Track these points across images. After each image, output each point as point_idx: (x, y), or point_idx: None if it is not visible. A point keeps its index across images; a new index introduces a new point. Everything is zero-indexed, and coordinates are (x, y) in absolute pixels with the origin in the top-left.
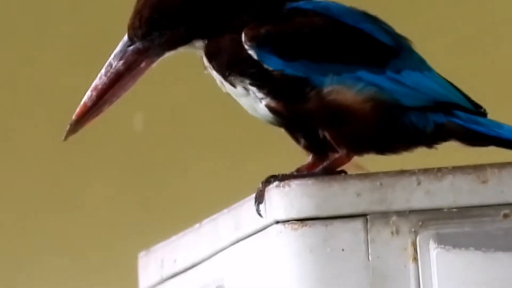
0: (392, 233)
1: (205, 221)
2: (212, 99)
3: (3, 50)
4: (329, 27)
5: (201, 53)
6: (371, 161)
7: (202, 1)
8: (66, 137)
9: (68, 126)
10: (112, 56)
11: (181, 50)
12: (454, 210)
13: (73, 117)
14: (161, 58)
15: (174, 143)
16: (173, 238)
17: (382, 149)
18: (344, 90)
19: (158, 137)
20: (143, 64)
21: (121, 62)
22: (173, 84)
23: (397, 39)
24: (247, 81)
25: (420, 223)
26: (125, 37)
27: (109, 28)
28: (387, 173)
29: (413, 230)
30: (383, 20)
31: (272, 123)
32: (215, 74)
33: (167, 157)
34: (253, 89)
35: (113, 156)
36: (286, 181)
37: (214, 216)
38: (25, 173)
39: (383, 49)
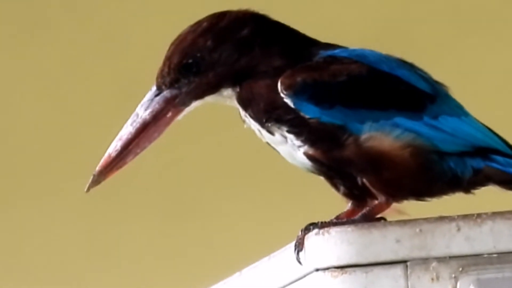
0: (432, 279)
1: (245, 270)
2: (249, 146)
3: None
4: (365, 74)
5: (231, 103)
6: (410, 207)
7: (235, 45)
8: (88, 189)
9: (91, 177)
10: (140, 105)
11: (209, 99)
12: (494, 255)
13: (97, 168)
14: (188, 109)
15: (212, 189)
16: (214, 287)
17: (421, 194)
18: (382, 136)
19: (194, 182)
20: (169, 114)
21: (148, 111)
22: (208, 128)
23: (434, 85)
24: (285, 129)
25: (460, 268)
26: (154, 87)
27: (138, 79)
28: (426, 219)
29: (453, 276)
30: (419, 66)
31: (311, 170)
32: (252, 122)
33: (203, 203)
34: (290, 136)
35: (145, 202)
36: (326, 228)
37: (254, 264)
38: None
39: (419, 95)
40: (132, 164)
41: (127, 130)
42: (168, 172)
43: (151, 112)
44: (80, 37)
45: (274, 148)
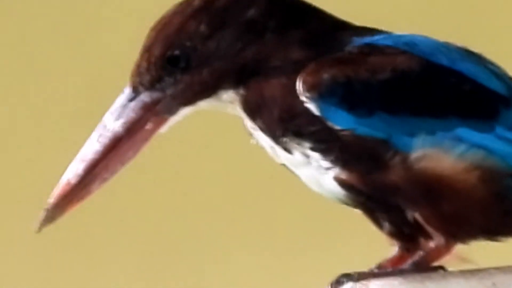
0: None
1: None
2: (258, 169)
3: None
4: (416, 70)
5: (233, 109)
6: (478, 252)
7: (238, 31)
8: (40, 228)
9: (44, 213)
10: (108, 114)
11: (203, 105)
12: None
13: (51, 199)
14: (174, 118)
15: (218, 231)
16: None
17: (493, 233)
18: (439, 155)
19: (188, 220)
20: (149, 125)
21: (120, 122)
22: (201, 143)
23: (510, 83)
24: (307, 145)
25: None
26: (127, 88)
27: (105, 77)
28: (501, 269)
29: None
30: (489, 59)
31: (343, 201)
32: (262, 136)
33: (210, 246)
34: (315, 155)
35: (123, 245)
36: (364, 281)
37: None
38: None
39: (490, 97)
40: (100, 193)
41: (91, 147)
42: (154, 205)
43: (124, 122)
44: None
45: (292, 171)
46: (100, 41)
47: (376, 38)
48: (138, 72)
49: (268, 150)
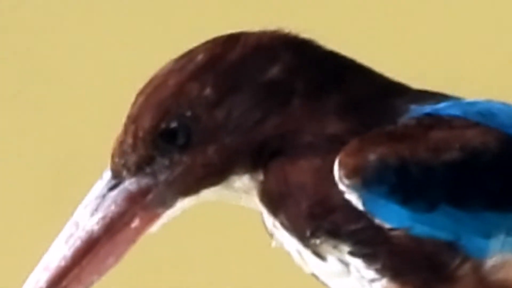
0: None
1: None
2: (280, 280)
3: None
4: (494, 148)
5: (247, 201)
6: None
7: (256, 96)
8: None
9: None
10: (80, 207)
11: (208, 194)
12: None
13: None
14: (169, 212)
15: None
16: None
17: None
18: None
19: None
20: (136, 221)
21: (97, 217)
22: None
23: None
24: (345, 248)
25: None
26: (106, 173)
27: (76, 155)
28: None
29: None
30: None
31: None
32: (286, 236)
33: None
34: (356, 262)
35: None
36: None
37: None
38: None
39: None
40: None
41: (58, 252)
42: None
43: (103, 218)
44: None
45: (324, 284)
46: (70, 108)
47: (440, 106)
48: (121, 151)
49: (294, 254)
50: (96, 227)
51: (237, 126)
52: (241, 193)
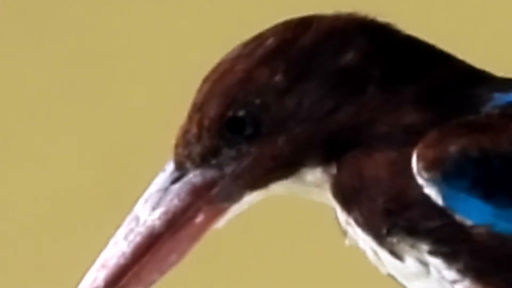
0: None
1: None
2: (354, 280)
3: None
4: None
5: (319, 196)
6: None
7: (329, 83)
8: None
9: None
10: (141, 201)
11: (277, 188)
12: None
13: None
14: (236, 207)
15: None
16: None
17: None
18: None
19: None
20: (200, 217)
21: (159, 212)
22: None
23: None
24: (424, 247)
25: None
26: (169, 164)
27: (134, 146)
28: None
29: None
30: None
31: None
32: (361, 234)
33: None
34: (436, 262)
35: None
36: None
37: None
38: None
39: None
40: None
41: (117, 249)
42: None
43: (165, 213)
44: None
45: (402, 286)
46: (123, 96)
47: None
48: (185, 142)
49: (369, 253)
50: (157, 223)
51: (308, 115)
52: (312, 187)
